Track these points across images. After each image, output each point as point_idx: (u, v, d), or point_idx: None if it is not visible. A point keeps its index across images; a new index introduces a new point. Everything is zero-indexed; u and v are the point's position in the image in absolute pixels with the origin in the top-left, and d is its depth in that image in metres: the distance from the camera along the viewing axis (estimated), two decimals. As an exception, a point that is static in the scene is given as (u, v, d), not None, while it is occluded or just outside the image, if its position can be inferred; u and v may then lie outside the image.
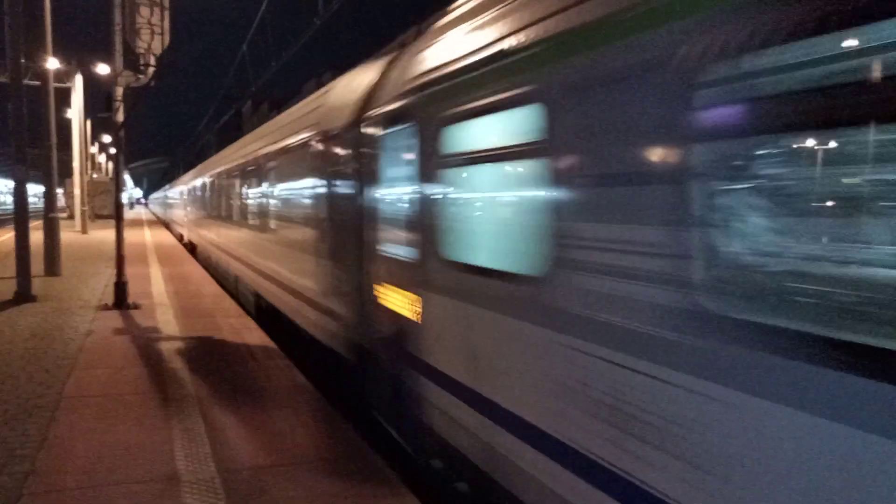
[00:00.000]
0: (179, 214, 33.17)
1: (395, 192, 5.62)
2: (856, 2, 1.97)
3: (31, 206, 14.12)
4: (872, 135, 2.07)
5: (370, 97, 6.05)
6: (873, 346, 1.94)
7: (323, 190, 7.45)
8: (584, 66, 3.10)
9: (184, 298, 13.04)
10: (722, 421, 2.37)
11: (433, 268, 4.62)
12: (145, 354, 8.44)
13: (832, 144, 2.32)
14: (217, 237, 17.59)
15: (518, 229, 3.80)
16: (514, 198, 4.25)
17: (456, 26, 4.66)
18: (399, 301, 5.26)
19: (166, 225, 43.68)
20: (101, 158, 77.38)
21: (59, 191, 22.68)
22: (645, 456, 2.73)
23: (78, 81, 34.56)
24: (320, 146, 7.51)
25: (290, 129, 9.25)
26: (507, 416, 3.73)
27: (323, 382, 7.64)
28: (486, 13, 4.21)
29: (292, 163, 8.93)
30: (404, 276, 5.15)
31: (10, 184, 13.69)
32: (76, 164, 36.93)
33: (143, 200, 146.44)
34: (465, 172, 4.49)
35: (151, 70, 12.51)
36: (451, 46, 4.54)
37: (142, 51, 12.21)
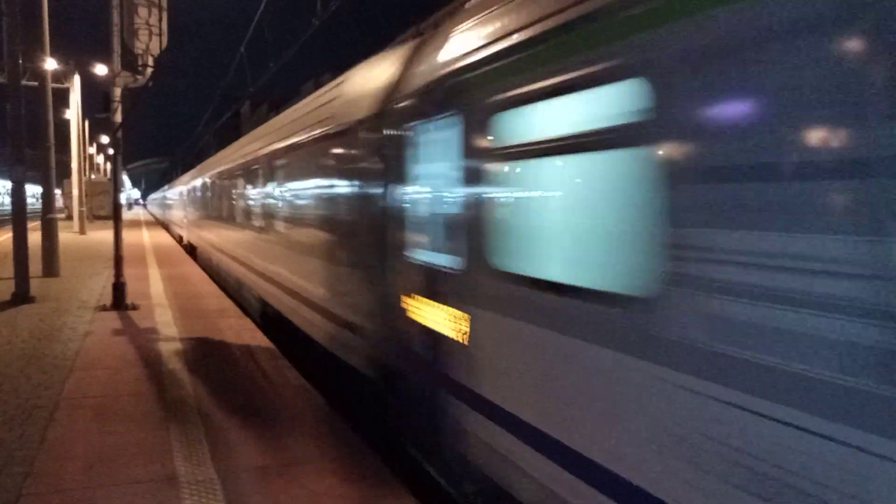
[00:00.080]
0: (179, 215, 32.51)
1: (429, 191, 5.01)
2: None
3: (29, 207, 14.12)
4: None
5: (396, 86, 5.41)
6: None
7: (339, 189, 6.77)
8: (718, 24, 2.38)
9: (182, 299, 13.02)
10: None
11: (486, 281, 3.91)
12: (144, 355, 8.43)
13: None
14: (219, 239, 16.74)
15: (615, 237, 3.13)
16: (607, 197, 3.40)
17: None
18: (437, 317, 4.58)
19: (165, 226, 43.63)
20: (100, 159, 77.38)
21: (58, 191, 22.65)
22: None
23: (76, 82, 34.56)
24: (336, 141, 6.83)
25: (301, 124, 8.55)
26: (597, 472, 3.02)
27: (338, 399, 7.08)
28: None
29: (304, 160, 8.22)
30: (444, 288, 4.45)
31: (8, 184, 13.67)
32: (74, 164, 36.94)
33: (141, 201, 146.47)
34: (531, 166, 3.76)
35: (150, 71, 12.49)
36: (507, 19, 3.85)
37: (140, 51, 12.20)
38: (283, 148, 9.40)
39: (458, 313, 4.26)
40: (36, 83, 16.66)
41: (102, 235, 29.34)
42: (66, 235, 26.28)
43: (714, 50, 2.40)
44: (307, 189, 8.06)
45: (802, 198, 2.09)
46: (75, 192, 36.04)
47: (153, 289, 14.40)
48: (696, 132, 2.48)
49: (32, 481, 4.71)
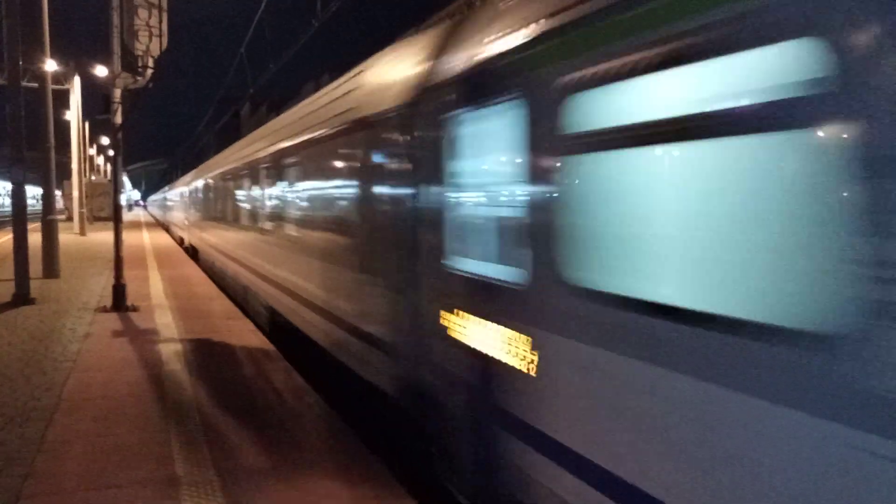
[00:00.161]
0: (180, 217, 32.03)
1: (477, 190, 4.40)
2: None
3: (29, 208, 14.13)
4: None
5: (432, 71, 4.74)
6: None
7: (361, 188, 6.08)
8: None
9: (182, 300, 13.02)
10: None
11: (561, 300, 3.22)
12: (144, 357, 8.43)
13: None
14: (224, 242, 15.87)
15: (781, 249, 2.42)
16: (765, 195, 2.56)
17: None
18: (488, 338, 3.91)
19: (165, 227, 43.62)
20: (100, 160, 77.41)
21: (58, 193, 22.66)
22: None
23: (76, 83, 34.58)
24: (358, 136, 6.12)
25: (316, 118, 7.82)
26: None
27: (359, 421, 6.49)
28: None
29: (320, 157, 7.46)
30: (499, 305, 3.77)
31: (9, 186, 13.68)
32: (74, 165, 36.95)
33: (141, 202, 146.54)
34: (632, 157, 2.98)
35: (150, 72, 12.49)
36: None
37: (140, 53, 12.20)
38: (296, 145, 8.63)
39: (519, 336, 3.58)
40: (36, 84, 16.68)
41: (103, 237, 29.34)
42: (67, 237, 26.28)
43: None
44: (324, 189, 7.37)
45: None
46: (75, 193, 36.05)
47: (153, 290, 14.40)
48: None
49: (32, 482, 4.71)
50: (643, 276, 2.97)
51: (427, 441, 4.84)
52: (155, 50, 12.29)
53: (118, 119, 12.65)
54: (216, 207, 17.49)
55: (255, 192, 11.62)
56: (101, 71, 18.25)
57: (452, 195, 4.45)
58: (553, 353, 3.32)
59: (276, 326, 10.21)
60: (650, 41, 2.66)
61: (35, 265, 13.95)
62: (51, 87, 16.66)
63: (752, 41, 2.24)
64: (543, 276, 3.38)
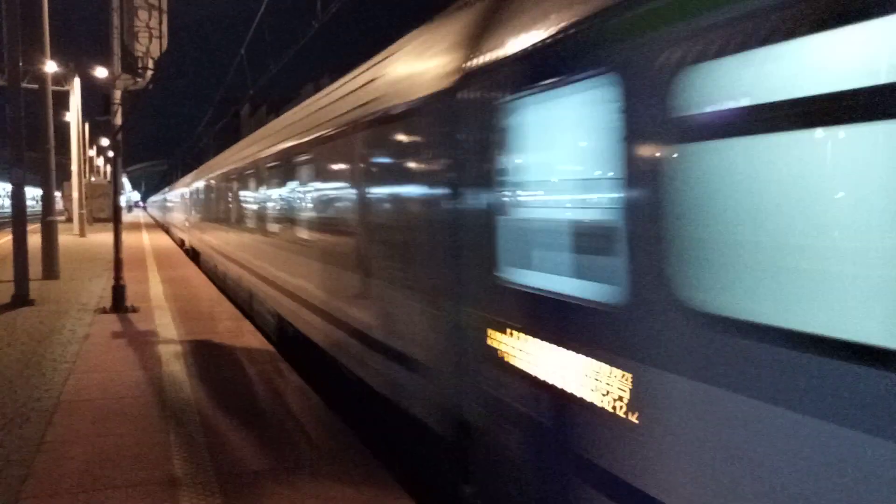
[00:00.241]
0: (180, 218, 31.51)
1: (542, 188, 3.85)
2: None
3: (29, 209, 14.13)
4: None
5: (477, 52, 4.07)
6: None
7: (387, 187, 5.47)
8: None
9: (182, 302, 13.02)
10: None
11: (678, 327, 2.52)
12: (143, 357, 8.42)
13: None
14: (226, 245, 15.17)
15: None
16: None
17: None
18: (561, 368, 3.24)
19: (165, 229, 43.61)
20: (100, 161, 77.42)
21: (57, 194, 22.66)
22: None
23: (76, 85, 34.60)
24: (383, 129, 5.49)
25: (330, 112, 7.23)
26: None
27: (384, 447, 5.93)
28: None
29: (338, 154, 6.75)
30: (579, 328, 3.10)
31: (8, 187, 13.69)
32: (74, 167, 36.97)
33: (141, 203, 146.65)
34: (783, 143, 2.30)
35: (150, 73, 12.50)
36: None
37: (140, 54, 12.22)
38: (311, 141, 7.90)
39: (612, 371, 2.89)
40: (36, 86, 16.69)
41: (102, 238, 29.32)
42: (66, 238, 26.28)
43: None
44: (341, 188, 6.70)
45: None
46: (75, 194, 36.07)
47: (153, 291, 14.40)
48: None
49: (31, 483, 4.70)
50: (795, 298, 2.29)
51: (468, 475, 4.21)
52: (155, 51, 12.31)
53: (118, 120, 12.66)
54: (219, 209, 16.76)
55: (264, 192, 10.89)
56: (101, 72, 18.27)
57: (508, 195, 3.73)
58: (665, 396, 2.58)
59: (285, 336, 9.65)
60: None
61: (34, 266, 13.94)
62: (51, 88, 16.66)
63: None
64: (650, 295, 2.65)
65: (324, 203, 7.33)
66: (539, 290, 3.45)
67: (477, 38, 4.15)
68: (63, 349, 8.88)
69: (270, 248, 10.28)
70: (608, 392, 2.91)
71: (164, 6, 12.45)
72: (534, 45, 3.40)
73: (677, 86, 2.54)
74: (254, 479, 4.82)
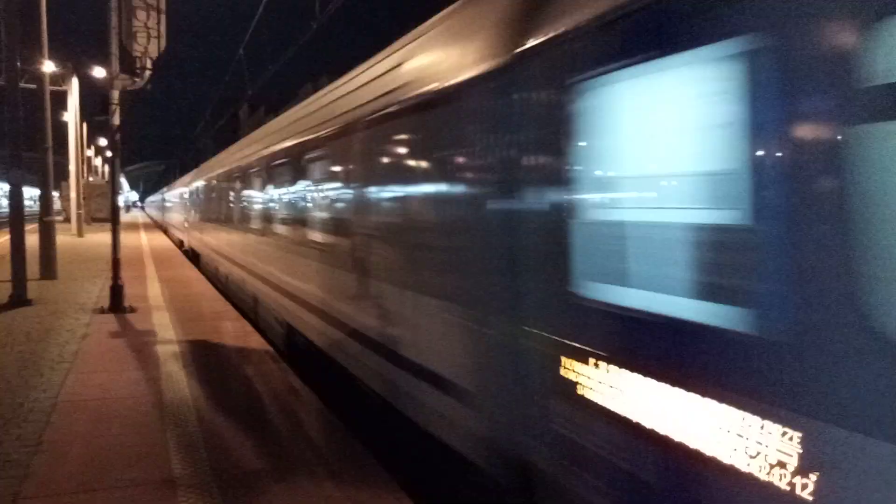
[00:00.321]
0: (179, 219, 30.89)
1: (642, 185, 2.97)
2: None
3: (26, 209, 14.12)
4: None
5: (543, 21, 3.40)
6: None
7: (424, 185, 4.77)
8: None
9: (180, 302, 13.01)
10: None
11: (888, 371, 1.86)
12: (141, 357, 8.42)
13: None
14: (228, 247, 14.49)
15: None
16: None
17: None
18: (677, 414, 2.53)
19: (164, 229, 43.56)
20: (98, 161, 77.32)
21: (55, 194, 22.64)
22: None
23: (74, 85, 34.59)
24: (416, 118, 4.86)
25: (347, 103, 6.59)
26: None
27: (418, 482, 5.30)
28: None
29: (358, 149, 6.08)
30: (711, 365, 2.40)
31: (6, 187, 13.68)
32: (72, 167, 36.96)
33: (139, 204, 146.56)
34: None
35: (148, 73, 12.49)
36: None
37: (138, 54, 12.19)
38: (322, 137, 7.25)
39: (761, 423, 2.19)
40: (34, 86, 16.67)
41: (100, 238, 29.28)
42: (64, 238, 26.25)
43: None
44: (362, 187, 5.99)
45: None
46: (73, 194, 36.04)
47: (151, 291, 14.39)
48: None
49: (29, 484, 4.70)
50: None
51: None
52: (153, 51, 12.29)
53: (116, 120, 12.64)
54: (222, 209, 15.88)
55: (274, 192, 10.03)
56: (99, 72, 18.25)
57: (588, 192, 3.10)
58: (853, 468, 1.90)
59: (294, 346, 8.93)
60: None
61: (32, 266, 13.93)
62: (49, 88, 16.66)
63: None
64: (831, 323, 1.99)
65: (346, 203, 6.45)
66: (643, 312, 2.72)
67: (540, 7, 3.50)
68: (61, 349, 8.88)
69: (277, 251, 9.60)
70: (766, 456, 2.17)
71: (163, 6, 12.43)
72: (631, 6, 2.72)
73: (872, 42, 1.90)
74: (252, 480, 4.82)
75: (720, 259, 2.47)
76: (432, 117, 4.58)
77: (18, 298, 12.66)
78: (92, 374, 7.64)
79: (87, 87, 34.23)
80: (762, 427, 2.19)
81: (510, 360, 3.64)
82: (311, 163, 7.84)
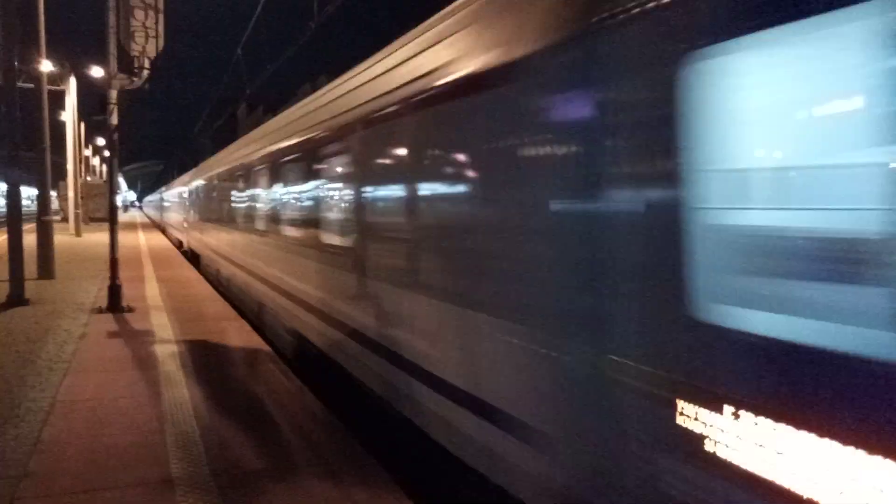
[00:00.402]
0: (178, 219, 30.26)
1: (785, 180, 2.33)
2: None
3: (24, 209, 14.09)
4: None
5: None
6: None
7: (476, 182, 4.06)
8: None
9: (178, 302, 12.99)
10: None
11: None
12: (139, 358, 8.41)
13: None
14: (231, 249, 13.87)
15: None
16: None
17: None
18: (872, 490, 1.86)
19: (162, 229, 43.51)
20: (95, 161, 77.24)
21: (53, 193, 22.60)
22: None
23: (72, 84, 34.55)
24: (467, 100, 4.09)
25: (371, 90, 5.87)
26: None
27: None
28: None
29: (394, 139, 5.28)
30: None
31: (3, 186, 13.66)
32: (70, 166, 36.93)
33: (137, 203, 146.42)
34: None
35: (146, 73, 12.48)
36: None
37: (136, 54, 12.16)
38: (342, 126, 6.44)
39: None
40: (32, 85, 16.65)
41: (98, 237, 29.23)
42: (62, 237, 26.20)
43: None
44: (416, 182, 4.94)
45: None
46: (71, 194, 36.01)
47: (149, 291, 14.37)
48: None
49: (27, 484, 4.69)
50: None
51: None
52: (151, 51, 12.26)
53: (114, 120, 12.63)
54: (224, 209, 15.00)
55: (283, 190, 9.23)
56: (97, 72, 18.22)
57: (718, 190, 2.39)
58: None
59: (306, 358, 8.20)
60: None
61: (30, 266, 13.91)
62: (46, 87, 16.63)
63: None
64: None
65: (387, 200, 5.60)
66: (809, 347, 2.02)
67: None
68: (59, 349, 8.86)
69: (284, 253, 8.92)
70: None
71: (161, 6, 12.41)
72: None
73: None
74: (250, 479, 4.82)
75: None
76: (482, 99, 3.88)
77: (16, 298, 12.63)
78: (90, 374, 7.62)
79: (85, 86, 34.25)
80: None
81: (590, 393, 3.00)
82: (337, 155, 6.81)
